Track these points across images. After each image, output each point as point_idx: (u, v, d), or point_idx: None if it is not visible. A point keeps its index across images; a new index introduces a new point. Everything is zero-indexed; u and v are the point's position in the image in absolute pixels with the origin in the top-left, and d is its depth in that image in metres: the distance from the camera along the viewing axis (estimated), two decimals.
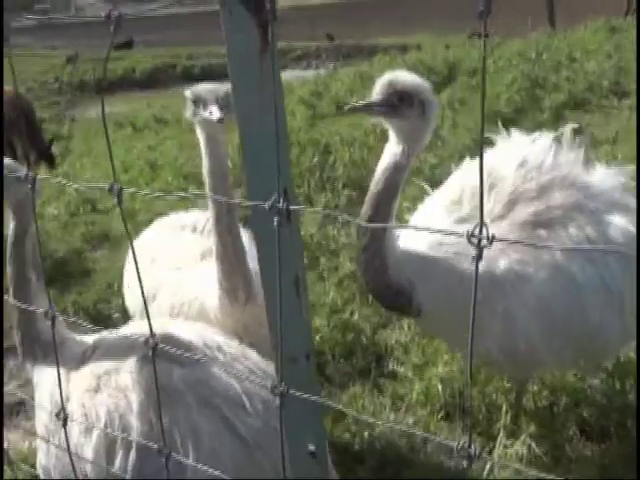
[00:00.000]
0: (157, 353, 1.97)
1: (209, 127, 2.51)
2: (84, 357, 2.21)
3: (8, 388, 3.51)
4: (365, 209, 2.49)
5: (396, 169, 2.44)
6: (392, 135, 2.48)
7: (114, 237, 5.58)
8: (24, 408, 3.54)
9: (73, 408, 2.09)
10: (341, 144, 7.10)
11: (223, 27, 1.09)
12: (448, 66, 11.09)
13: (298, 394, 1.07)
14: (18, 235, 2.24)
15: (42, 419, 2.21)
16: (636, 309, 2.40)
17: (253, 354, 2.28)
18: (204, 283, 2.68)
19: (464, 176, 2.71)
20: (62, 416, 1.62)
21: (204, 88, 2.53)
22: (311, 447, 1.28)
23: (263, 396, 2.10)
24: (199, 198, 2.65)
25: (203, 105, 2.49)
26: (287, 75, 17.50)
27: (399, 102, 2.39)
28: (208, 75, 17.01)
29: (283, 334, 1.11)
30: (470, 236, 0.88)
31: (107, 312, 4.32)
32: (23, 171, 1.97)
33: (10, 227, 2.26)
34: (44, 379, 2.25)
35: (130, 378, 2.09)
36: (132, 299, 3.00)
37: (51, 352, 2.22)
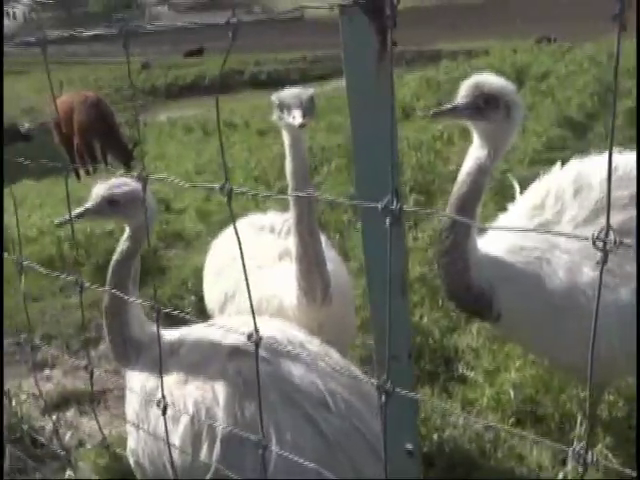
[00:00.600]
0: (245, 349, 2.04)
1: (293, 130, 2.57)
2: (172, 349, 2.29)
3: (94, 378, 3.65)
4: (448, 212, 2.49)
5: (480, 172, 2.44)
6: (476, 138, 2.47)
7: (187, 236, 5.73)
8: (105, 397, 3.69)
9: None
10: (408, 148, 7.09)
11: (342, 33, 1.12)
12: (516, 71, 10.90)
13: (404, 392, 1.09)
14: (130, 252, 2.41)
15: (133, 406, 2.31)
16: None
17: (334, 353, 2.31)
18: (283, 282, 2.73)
19: (549, 181, 2.67)
20: (162, 405, 1.69)
21: (289, 93, 2.58)
22: (409, 446, 1.29)
23: (345, 395, 2.13)
24: (293, 197, 2.70)
25: (287, 110, 2.54)
26: None
27: (485, 105, 2.38)
28: (274, 81, 17.27)
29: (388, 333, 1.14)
30: (595, 239, 0.88)
31: (181, 308, 4.43)
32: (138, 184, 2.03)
33: (124, 243, 2.42)
34: (136, 369, 2.35)
35: (217, 372, 2.16)
36: (214, 295, 3.07)
37: (143, 351, 2.33)
